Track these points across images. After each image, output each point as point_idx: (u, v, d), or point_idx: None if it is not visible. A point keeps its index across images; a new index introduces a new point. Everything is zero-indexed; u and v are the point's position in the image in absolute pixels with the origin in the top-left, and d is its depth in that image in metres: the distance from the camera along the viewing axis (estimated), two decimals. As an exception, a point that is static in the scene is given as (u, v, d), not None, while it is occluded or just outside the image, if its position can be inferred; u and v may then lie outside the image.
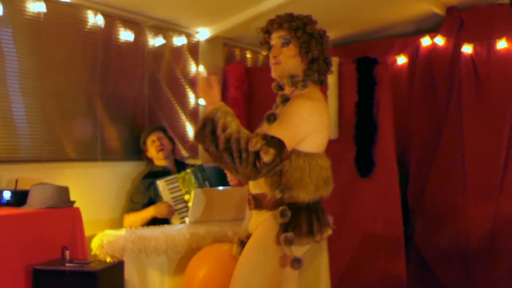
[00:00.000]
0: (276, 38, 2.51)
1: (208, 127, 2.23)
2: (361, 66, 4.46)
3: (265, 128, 2.39)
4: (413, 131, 4.86)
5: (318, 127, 2.41)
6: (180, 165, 4.26)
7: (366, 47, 5.19)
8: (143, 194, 4.00)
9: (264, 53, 2.69)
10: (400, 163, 4.60)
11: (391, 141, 4.36)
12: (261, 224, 2.43)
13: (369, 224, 4.37)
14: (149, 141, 4.14)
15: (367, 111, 4.40)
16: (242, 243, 2.52)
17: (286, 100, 2.44)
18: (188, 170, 4.05)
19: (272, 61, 2.52)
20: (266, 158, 2.20)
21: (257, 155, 2.19)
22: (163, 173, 4.10)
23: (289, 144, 2.29)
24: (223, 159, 2.22)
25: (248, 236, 2.51)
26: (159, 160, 4.15)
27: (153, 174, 4.09)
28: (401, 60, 5.05)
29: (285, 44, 2.48)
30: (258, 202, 2.46)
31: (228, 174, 2.74)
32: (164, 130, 4.23)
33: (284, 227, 2.34)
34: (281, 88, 2.59)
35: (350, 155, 4.44)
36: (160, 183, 3.96)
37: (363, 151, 4.39)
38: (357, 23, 4.98)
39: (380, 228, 4.33)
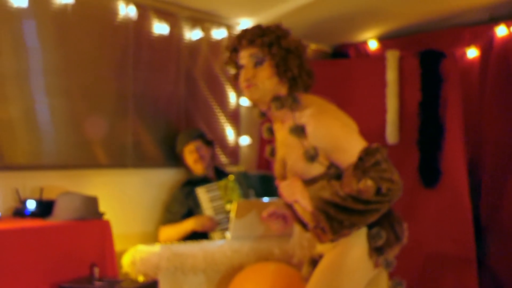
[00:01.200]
0: (246, 57, 2.45)
1: (332, 212, 2.25)
2: (425, 60, 4.43)
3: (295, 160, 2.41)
4: (486, 135, 4.77)
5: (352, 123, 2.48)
6: (220, 174, 4.31)
7: (430, 38, 5.12)
8: (181, 204, 4.06)
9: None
10: (471, 172, 4.53)
11: (461, 146, 4.31)
12: (341, 244, 2.39)
13: (435, 243, 4.32)
14: (186, 151, 4.21)
15: (433, 112, 4.37)
16: (314, 263, 2.51)
17: (302, 130, 2.40)
18: (230, 177, 4.09)
19: (243, 84, 2.46)
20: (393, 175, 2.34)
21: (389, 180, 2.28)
22: (203, 181, 4.16)
23: None
24: (377, 208, 2.29)
25: (321, 256, 2.50)
26: (198, 170, 4.21)
27: (192, 182, 4.15)
28: (472, 52, 4.97)
29: (258, 63, 2.43)
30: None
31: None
32: (202, 137, 4.28)
33: (374, 243, 2.36)
34: (263, 115, 2.57)
35: (413, 162, 4.40)
36: (200, 191, 4.02)
37: (427, 158, 4.35)
38: (420, 10, 4.92)
39: (448, 248, 4.27)
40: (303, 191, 2.32)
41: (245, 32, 2.48)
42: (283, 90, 2.44)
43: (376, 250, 2.35)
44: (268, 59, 2.42)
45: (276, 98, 2.41)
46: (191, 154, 4.19)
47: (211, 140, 4.37)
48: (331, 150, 2.34)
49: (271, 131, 2.61)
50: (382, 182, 2.25)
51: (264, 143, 5.00)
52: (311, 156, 2.35)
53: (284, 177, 2.51)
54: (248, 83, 2.43)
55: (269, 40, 2.42)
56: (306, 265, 2.56)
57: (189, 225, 3.95)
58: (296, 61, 2.43)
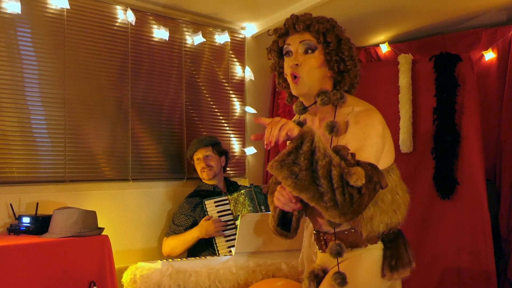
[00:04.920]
0: (296, 43, 2.41)
1: (305, 146, 2.09)
2: (440, 64, 4.42)
3: None
4: (505, 142, 4.77)
5: (389, 136, 2.44)
6: (230, 186, 4.38)
7: (445, 41, 5.13)
8: (186, 216, 4.11)
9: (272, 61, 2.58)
10: (489, 181, 4.52)
11: (478, 154, 4.30)
12: (350, 258, 2.37)
13: (452, 256, 4.31)
14: (195, 158, 4.26)
15: (448, 119, 4.36)
16: (317, 278, 2.47)
17: (333, 128, 2.33)
18: (242, 191, 4.11)
19: (288, 70, 2.40)
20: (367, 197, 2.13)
21: (358, 191, 2.10)
22: (212, 192, 4.22)
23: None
24: (320, 187, 2.08)
25: (325, 271, 2.47)
26: (204, 179, 4.27)
27: (200, 193, 4.21)
28: (489, 55, 4.98)
29: (310, 50, 2.38)
30: (346, 242, 2.35)
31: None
32: (214, 145, 4.30)
33: (389, 261, 2.34)
34: (305, 110, 2.49)
35: (428, 172, 4.39)
36: (208, 204, 4.07)
37: (443, 167, 4.34)
38: (434, 11, 4.93)
39: (466, 261, 4.26)
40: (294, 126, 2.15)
41: (297, 17, 2.43)
42: (328, 85, 2.41)
43: (390, 268, 2.34)
44: (320, 48, 2.40)
45: (324, 92, 2.37)
46: (199, 162, 4.24)
47: (224, 150, 4.40)
48: (355, 148, 2.27)
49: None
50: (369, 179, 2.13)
51: (273, 153, 5.05)
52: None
53: None
54: (295, 72, 2.37)
55: (325, 27, 2.40)
56: (307, 281, 2.48)
57: (194, 233, 4.00)
58: (348, 53, 2.40)
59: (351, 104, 2.39)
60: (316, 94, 2.39)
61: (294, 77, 2.38)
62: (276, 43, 2.50)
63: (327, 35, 2.38)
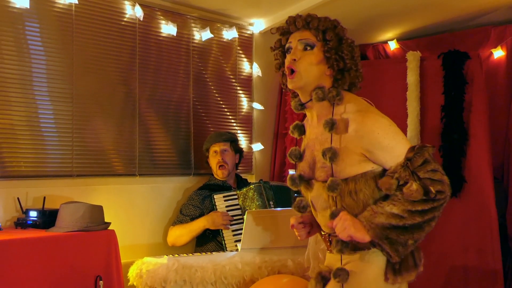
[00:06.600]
0: (296, 41, 2.43)
1: (394, 236, 2.25)
2: (449, 61, 4.42)
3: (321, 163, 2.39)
4: (513, 140, 4.77)
5: None
6: (241, 182, 4.41)
7: (454, 38, 5.12)
8: (195, 207, 4.15)
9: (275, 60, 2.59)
10: (497, 179, 4.51)
11: (486, 152, 4.29)
12: (354, 262, 2.37)
13: (459, 254, 4.30)
14: (211, 151, 4.28)
15: (456, 117, 4.35)
16: (324, 279, 2.47)
17: (333, 125, 2.33)
18: (251, 186, 4.15)
19: (287, 65, 2.41)
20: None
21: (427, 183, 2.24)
22: (221, 187, 4.25)
23: None
24: (434, 215, 2.27)
25: (331, 272, 2.48)
26: (218, 175, 4.29)
27: (210, 187, 4.24)
28: (498, 53, 4.96)
29: (309, 47, 2.40)
30: (350, 244, 2.35)
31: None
32: (232, 142, 4.32)
33: (392, 264, 2.32)
34: (302, 107, 2.48)
35: (435, 170, 4.38)
36: (217, 198, 4.11)
37: (451, 165, 4.33)
38: (443, 8, 4.92)
39: (473, 259, 4.26)
40: (356, 223, 2.27)
41: (299, 16, 2.46)
42: (326, 83, 2.41)
43: (393, 271, 2.32)
44: (318, 45, 2.40)
45: (320, 88, 2.38)
46: (215, 156, 4.26)
47: (240, 148, 4.42)
48: (376, 148, 2.28)
49: (302, 129, 2.53)
50: (432, 184, 2.22)
51: (280, 149, 5.06)
52: (330, 157, 2.30)
53: (310, 179, 2.47)
54: (292, 66, 2.38)
55: (325, 26, 2.41)
56: (314, 282, 2.48)
57: (201, 222, 4.04)
58: (349, 52, 2.41)
59: (346, 102, 2.39)
60: (312, 90, 2.39)
61: (291, 71, 2.39)
62: (279, 42, 2.52)
63: (327, 33, 2.39)
